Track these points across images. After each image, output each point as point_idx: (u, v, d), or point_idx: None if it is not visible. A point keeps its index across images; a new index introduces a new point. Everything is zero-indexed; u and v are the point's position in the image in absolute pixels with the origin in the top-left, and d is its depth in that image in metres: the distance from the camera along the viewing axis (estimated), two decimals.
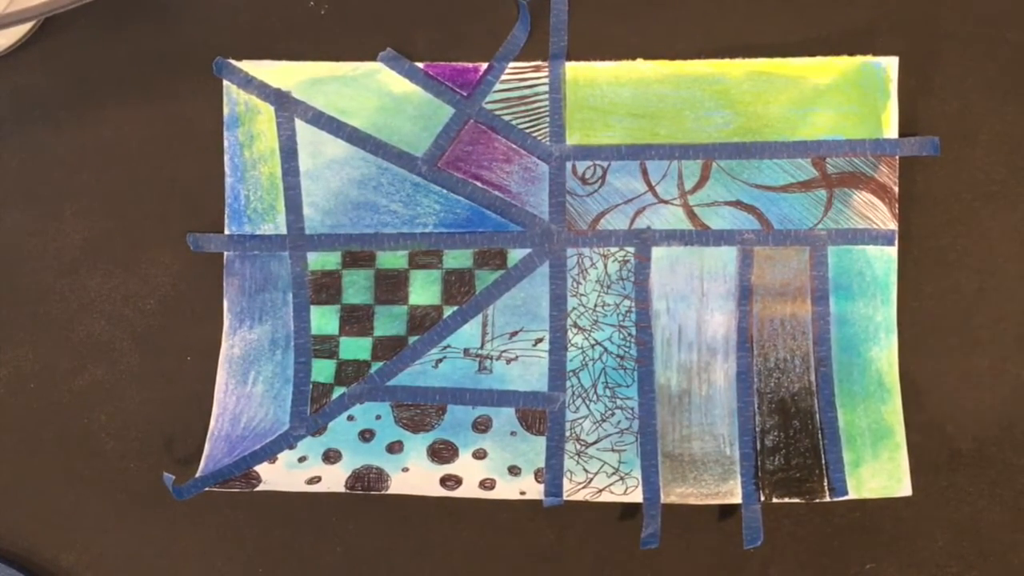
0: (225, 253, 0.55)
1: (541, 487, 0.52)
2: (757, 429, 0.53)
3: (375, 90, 0.55)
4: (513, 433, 0.53)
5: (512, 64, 0.55)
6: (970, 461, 0.52)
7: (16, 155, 0.56)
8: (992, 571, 0.52)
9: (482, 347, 0.54)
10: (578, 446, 0.53)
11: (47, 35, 0.56)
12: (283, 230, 0.55)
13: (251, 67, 0.55)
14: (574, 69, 0.55)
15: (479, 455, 0.53)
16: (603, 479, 0.52)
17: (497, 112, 0.55)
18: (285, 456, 0.54)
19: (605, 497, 0.52)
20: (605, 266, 0.54)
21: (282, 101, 0.55)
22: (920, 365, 0.53)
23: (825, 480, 0.52)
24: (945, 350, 0.53)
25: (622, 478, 0.52)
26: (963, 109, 0.53)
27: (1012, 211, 0.53)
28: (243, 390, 0.54)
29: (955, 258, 0.53)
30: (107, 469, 0.54)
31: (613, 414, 0.53)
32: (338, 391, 0.54)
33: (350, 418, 0.54)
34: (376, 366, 0.54)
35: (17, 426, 0.54)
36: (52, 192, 0.55)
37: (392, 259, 0.54)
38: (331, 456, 0.54)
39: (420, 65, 0.55)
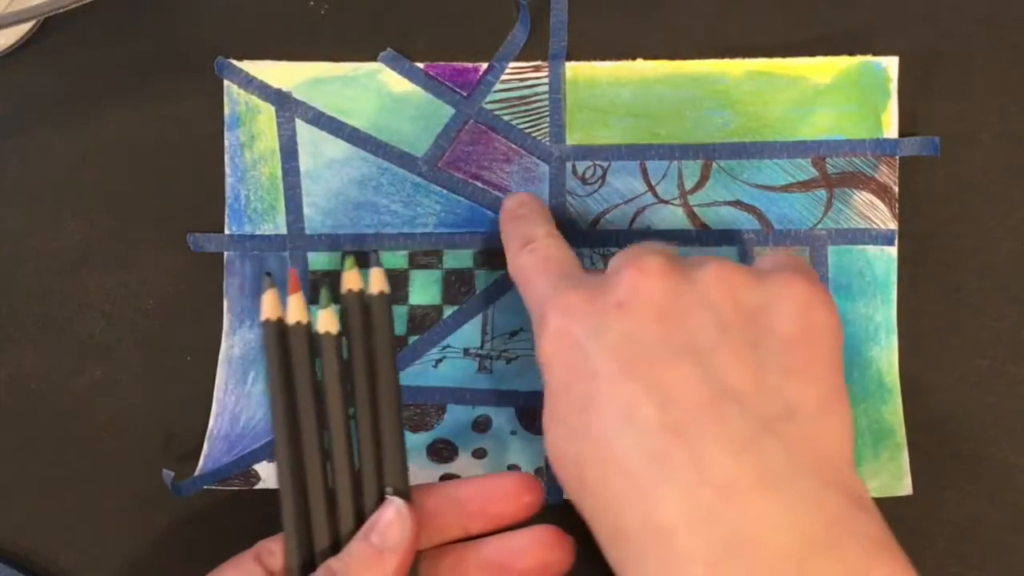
0: (225, 253, 0.55)
1: None
2: None
3: (375, 90, 0.55)
4: (513, 433, 0.53)
5: (512, 64, 0.55)
6: (970, 461, 0.52)
7: (16, 155, 0.56)
8: (992, 571, 0.52)
9: (482, 347, 0.54)
10: None
11: (47, 35, 0.56)
12: (283, 230, 0.55)
13: (252, 67, 0.55)
14: (574, 69, 0.55)
15: (479, 455, 0.53)
16: None
17: (497, 112, 0.55)
18: None
19: None
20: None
21: (283, 101, 0.55)
22: (920, 365, 0.53)
23: None
24: (945, 350, 0.53)
25: None
26: (963, 109, 0.53)
27: (1012, 211, 0.53)
28: (243, 389, 0.54)
29: (955, 258, 0.53)
30: (107, 469, 0.54)
31: None
32: None
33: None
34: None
35: (17, 426, 0.54)
36: (52, 192, 0.55)
37: (392, 259, 0.54)
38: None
39: (420, 65, 0.55)
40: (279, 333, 0.46)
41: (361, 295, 0.47)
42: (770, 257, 0.45)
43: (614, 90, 0.54)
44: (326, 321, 0.46)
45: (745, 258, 0.54)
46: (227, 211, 0.55)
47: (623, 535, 0.40)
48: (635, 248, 0.44)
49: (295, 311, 0.46)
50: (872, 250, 0.53)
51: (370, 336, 0.46)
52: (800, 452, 0.39)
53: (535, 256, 0.47)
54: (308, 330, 0.46)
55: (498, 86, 0.55)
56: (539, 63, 0.55)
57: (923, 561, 0.51)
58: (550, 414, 0.43)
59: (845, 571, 0.37)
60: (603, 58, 0.54)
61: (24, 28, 0.55)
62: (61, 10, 0.48)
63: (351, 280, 0.47)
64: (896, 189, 0.53)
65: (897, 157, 0.53)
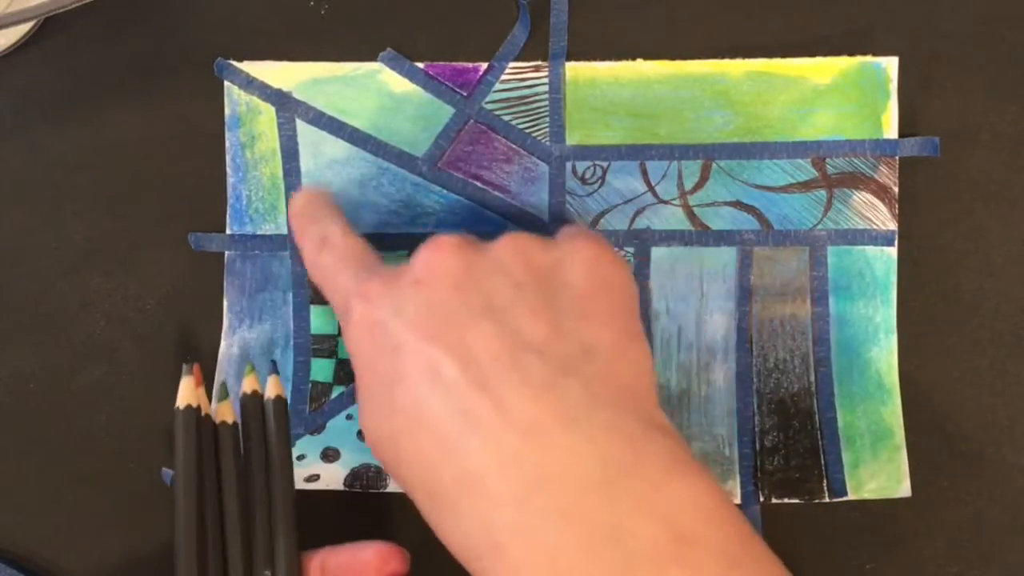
0: (226, 253, 0.55)
1: None
2: (756, 430, 0.53)
3: (375, 90, 0.55)
4: None
5: (512, 64, 0.55)
6: (970, 461, 0.52)
7: (16, 155, 0.56)
8: (992, 571, 0.52)
9: None
10: None
11: (47, 35, 0.56)
12: (284, 230, 0.55)
13: (252, 68, 0.55)
14: (574, 69, 0.55)
15: None
16: None
17: (497, 112, 0.55)
18: None
19: None
20: None
21: (283, 102, 0.55)
22: (920, 365, 0.53)
23: (824, 481, 0.52)
24: (945, 350, 0.53)
25: None
26: (963, 109, 0.53)
27: (1012, 211, 0.53)
28: None
29: (955, 258, 0.53)
30: (107, 469, 0.54)
31: None
32: (337, 390, 0.55)
33: (348, 417, 0.54)
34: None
35: (17, 426, 0.55)
36: (52, 192, 0.55)
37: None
38: (329, 455, 0.54)
39: (420, 65, 0.55)
40: (191, 421, 0.47)
41: (259, 398, 0.48)
42: (562, 228, 0.47)
43: (614, 90, 0.54)
44: (223, 412, 0.48)
45: (745, 260, 0.54)
46: (228, 211, 0.55)
47: (439, 493, 0.41)
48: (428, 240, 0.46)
49: (189, 398, 0.47)
50: (872, 251, 0.53)
51: (267, 437, 0.48)
52: (598, 388, 0.40)
53: (334, 254, 0.47)
54: (212, 422, 0.48)
55: (498, 86, 0.55)
56: (539, 63, 0.55)
57: (923, 561, 0.52)
58: (361, 397, 0.44)
59: (647, 487, 0.38)
60: (603, 58, 0.54)
61: (24, 28, 0.55)
62: (61, 10, 0.48)
63: (249, 384, 0.48)
64: (896, 190, 0.53)
65: (897, 157, 0.53)
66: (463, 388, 0.40)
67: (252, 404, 0.48)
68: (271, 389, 0.48)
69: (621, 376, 0.41)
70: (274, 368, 0.49)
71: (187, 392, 0.46)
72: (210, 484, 0.46)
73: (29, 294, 0.55)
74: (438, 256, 0.43)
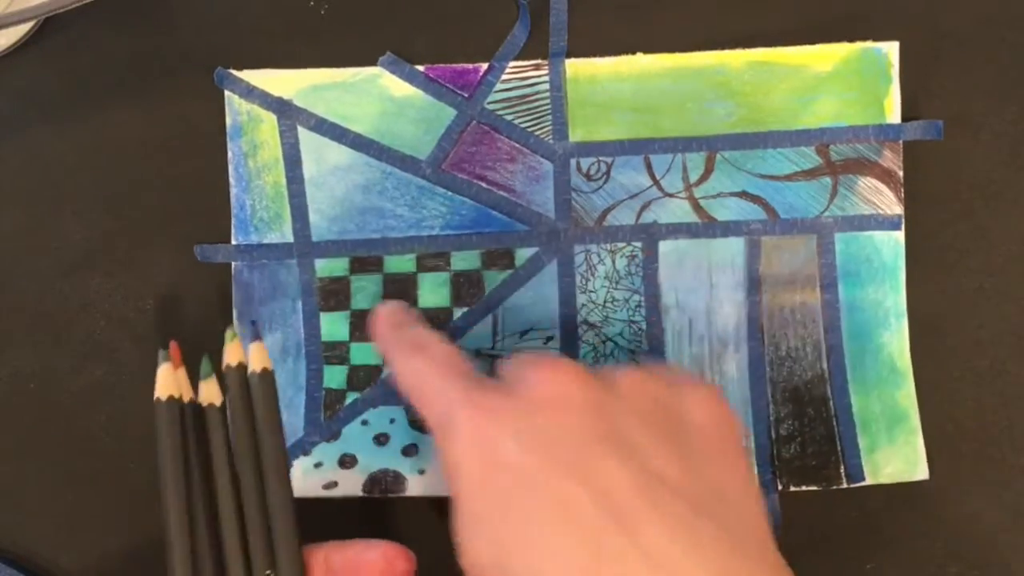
0: (233, 263, 0.54)
1: None
2: (771, 418, 0.53)
3: (376, 95, 0.55)
4: None
5: (512, 63, 0.55)
6: (971, 461, 0.53)
7: (16, 155, 0.55)
8: (992, 571, 0.52)
9: (493, 347, 0.54)
10: None
11: (47, 35, 0.56)
12: (290, 238, 0.54)
13: (252, 76, 0.55)
14: (574, 66, 0.55)
15: None
16: None
17: (499, 112, 0.55)
18: (301, 462, 0.53)
19: None
20: (613, 262, 0.54)
21: (284, 109, 0.55)
22: (920, 365, 0.53)
23: (841, 467, 0.52)
24: (945, 350, 0.53)
25: None
26: (963, 108, 0.54)
27: (1012, 210, 0.54)
28: None
29: (955, 258, 0.54)
30: (107, 469, 0.53)
31: None
32: (351, 396, 0.54)
33: (364, 423, 0.54)
34: (387, 370, 0.53)
35: (17, 426, 0.54)
36: (52, 192, 0.55)
37: (400, 263, 0.54)
38: (346, 461, 0.53)
39: (420, 68, 0.55)
40: (174, 413, 0.44)
41: (243, 371, 0.45)
42: (657, 364, 0.49)
43: (615, 85, 0.55)
44: (209, 393, 0.45)
45: (753, 250, 0.54)
46: (233, 221, 0.55)
47: None
48: (532, 354, 0.46)
49: (170, 387, 0.45)
50: (879, 236, 0.53)
51: (253, 414, 0.45)
52: (730, 531, 0.40)
53: (431, 361, 0.46)
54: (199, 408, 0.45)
55: (499, 86, 0.55)
56: (539, 61, 0.55)
57: (923, 561, 0.52)
58: (463, 519, 0.42)
59: None
60: (603, 55, 0.55)
61: (24, 28, 0.54)
62: (61, 10, 0.48)
63: (233, 353, 0.46)
64: (900, 174, 0.54)
65: (901, 142, 0.54)
66: (594, 520, 0.39)
67: (237, 380, 0.45)
68: (255, 361, 0.45)
69: (748, 521, 0.42)
70: (256, 333, 0.47)
71: (166, 380, 0.45)
72: (199, 477, 0.44)
73: (29, 294, 0.54)
74: (561, 380, 0.42)
